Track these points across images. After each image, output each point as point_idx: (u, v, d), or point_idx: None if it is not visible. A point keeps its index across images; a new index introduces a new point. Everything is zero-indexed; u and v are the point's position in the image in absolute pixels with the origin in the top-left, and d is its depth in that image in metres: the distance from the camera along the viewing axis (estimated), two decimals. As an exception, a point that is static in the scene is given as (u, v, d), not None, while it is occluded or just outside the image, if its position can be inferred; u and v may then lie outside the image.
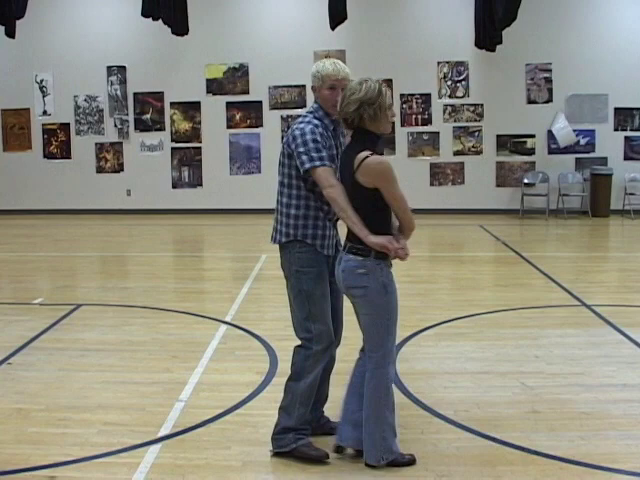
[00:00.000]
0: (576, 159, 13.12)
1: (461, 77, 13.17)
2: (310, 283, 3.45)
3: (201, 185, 13.71)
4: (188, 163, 13.69)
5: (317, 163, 3.30)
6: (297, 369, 3.52)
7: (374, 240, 3.18)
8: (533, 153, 13.21)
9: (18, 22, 11.37)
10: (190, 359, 5.02)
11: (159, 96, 13.57)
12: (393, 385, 3.42)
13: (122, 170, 13.75)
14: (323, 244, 3.47)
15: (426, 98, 13.21)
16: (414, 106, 13.22)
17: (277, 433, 3.54)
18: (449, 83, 13.20)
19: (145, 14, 11.27)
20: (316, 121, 3.43)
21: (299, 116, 3.56)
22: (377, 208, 3.24)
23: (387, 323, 3.33)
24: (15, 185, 13.74)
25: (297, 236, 3.45)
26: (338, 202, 3.26)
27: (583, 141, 13.06)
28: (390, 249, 3.18)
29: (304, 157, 3.33)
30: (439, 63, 13.14)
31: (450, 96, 13.24)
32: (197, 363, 4.92)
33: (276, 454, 3.52)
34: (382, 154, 3.32)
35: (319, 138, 3.36)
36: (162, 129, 13.64)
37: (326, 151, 3.36)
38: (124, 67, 13.50)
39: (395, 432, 3.41)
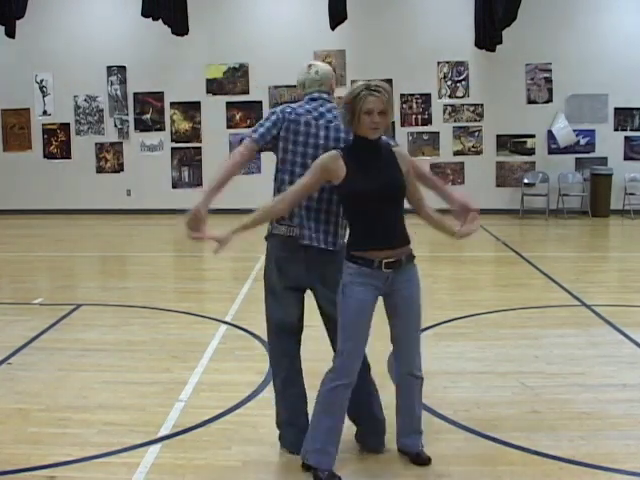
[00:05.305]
0: (576, 159, 13.12)
1: (461, 77, 13.17)
2: (268, 273, 3.51)
3: (201, 185, 13.68)
4: (188, 163, 13.70)
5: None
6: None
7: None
8: (533, 153, 13.21)
9: (18, 22, 11.37)
10: (190, 359, 5.02)
11: (159, 96, 13.57)
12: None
13: (122, 170, 13.75)
14: (290, 229, 3.40)
15: (426, 98, 13.21)
16: (414, 106, 13.23)
17: None
18: (449, 83, 13.20)
19: (145, 14, 11.27)
20: None
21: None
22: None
23: None
24: (15, 185, 13.73)
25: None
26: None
27: (583, 141, 13.06)
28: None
29: None
30: (439, 63, 13.14)
31: (450, 96, 13.24)
32: (197, 363, 4.92)
33: None
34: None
35: None
36: (162, 129, 13.64)
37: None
38: (124, 67, 13.50)
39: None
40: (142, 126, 13.67)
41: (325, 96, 3.48)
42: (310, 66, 3.54)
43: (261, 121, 3.41)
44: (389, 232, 3.21)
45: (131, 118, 13.66)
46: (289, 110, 3.40)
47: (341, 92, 3.75)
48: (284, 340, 3.53)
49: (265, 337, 3.71)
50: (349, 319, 3.19)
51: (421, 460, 3.40)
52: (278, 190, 3.40)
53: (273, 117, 3.40)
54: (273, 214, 3.25)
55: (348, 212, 3.27)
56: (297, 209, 3.34)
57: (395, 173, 3.24)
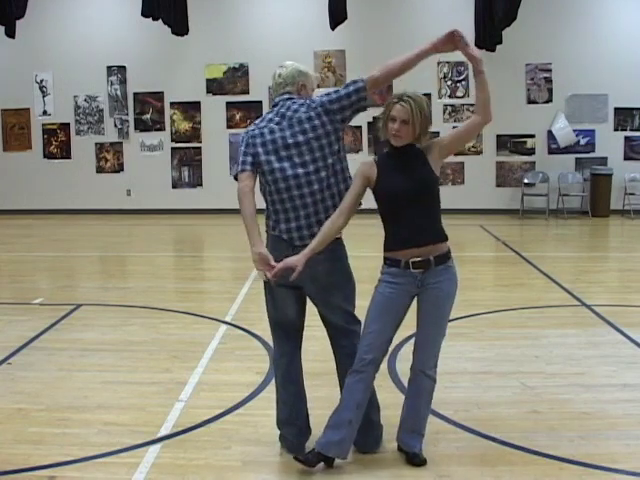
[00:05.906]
0: (576, 159, 13.12)
1: (461, 77, 13.17)
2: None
3: (201, 185, 13.71)
4: (188, 163, 13.70)
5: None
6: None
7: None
8: (533, 153, 13.21)
9: (18, 22, 11.37)
10: (190, 359, 5.02)
11: (159, 96, 13.57)
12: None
13: (122, 170, 13.75)
14: (290, 229, 3.40)
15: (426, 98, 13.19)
16: (414, 106, 13.21)
17: None
18: (449, 83, 13.20)
19: (145, 14, 11.27)
20: None
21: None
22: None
23: None
24: (15, 185, 13.74)
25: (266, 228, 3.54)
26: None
27: (583, 141, 13.06)
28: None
29: None
30: (439, 63, 13.14)
31: (450, 96, 13.24)
32: (197, 363, 4.92)
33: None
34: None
35: None
36: (162, 129, 13.65)
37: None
38: (124, 67, 13.51)
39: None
40: (142, 126, 13.67)
41: (286, 96, 3.50)
42: (277, 69, 3.58)
43: (238, 152, 3.48)
44: (415, 231, 3.27)
45: (131, 118, 13.66)
46: (252, 128, 3.50)
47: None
48: (282, 338, 3.53)
49: (265, 337, 3.71)
50: (370, 310, 3.33)
51: (416, 461, 3.40)
52: (272, 202, 3.43)
53: (243, 142, 3.48)
54: (335, 230, 3.32)
55: (381, 215, 3.37)
56: (282, 215, 3.40)
57: (425, 172, 3.35)
